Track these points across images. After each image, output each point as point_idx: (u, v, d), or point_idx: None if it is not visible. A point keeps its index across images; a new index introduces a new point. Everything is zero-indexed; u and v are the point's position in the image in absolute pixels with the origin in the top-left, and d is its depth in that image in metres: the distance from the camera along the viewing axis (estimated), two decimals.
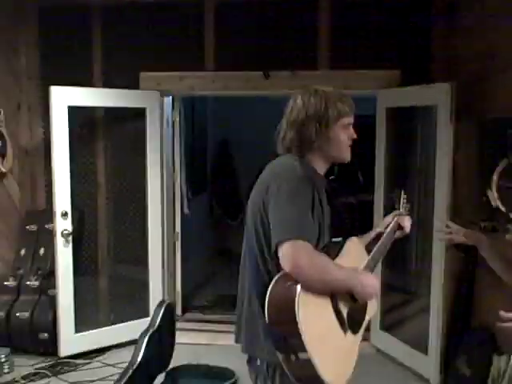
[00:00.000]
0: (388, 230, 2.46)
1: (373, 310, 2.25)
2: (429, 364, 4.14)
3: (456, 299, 4.14)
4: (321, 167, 2.16)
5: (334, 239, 2.17)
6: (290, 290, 1.84)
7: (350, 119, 2.15)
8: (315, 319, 1.88)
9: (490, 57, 3.78)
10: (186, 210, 5.86)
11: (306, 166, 2.08)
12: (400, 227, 2.52)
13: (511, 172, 1.50)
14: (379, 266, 4.02)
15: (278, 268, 1.91)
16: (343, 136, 2.13)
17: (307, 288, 1.85)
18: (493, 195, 1.51)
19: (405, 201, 2.62)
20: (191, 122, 6.38)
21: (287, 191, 1.93)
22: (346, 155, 2.17)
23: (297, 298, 1.81)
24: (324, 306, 1.94)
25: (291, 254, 1.84)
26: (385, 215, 2.44)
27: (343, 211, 2.47)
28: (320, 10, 4.65)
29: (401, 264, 4.79)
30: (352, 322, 2.06)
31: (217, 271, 6.94)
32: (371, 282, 2.04)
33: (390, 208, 2.69)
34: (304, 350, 1.81)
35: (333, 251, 2.07)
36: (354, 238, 2.21)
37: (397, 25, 4.55)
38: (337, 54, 4.63)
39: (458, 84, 3.83)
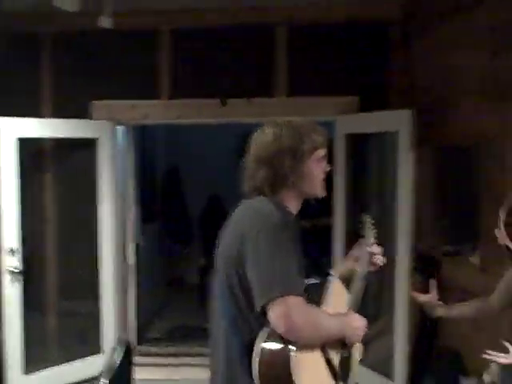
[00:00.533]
0: (363, 265, 2.24)
1: (359, 353, 2.15)
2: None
3: (420, 322, 4.15)
4: (294, 206, 2.01)
5: (310, 281, 2.03)
6: (283, 353, 1.75)
7: (324, 151, 2.03)
8: (311, 379, 1.82)
9: (446, 85, 3.86)
10: (140, 242, 5.70)
11: (282, 209, 1.92)
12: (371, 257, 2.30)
13: None
14: None
15: (262, 326, 1.80)
16: (318, 170, 2.00)
17: (301, 347, 1.76)
18: (501, 233, 1.50)
19: (372, 226, 2.41)
20: (141, 149, 6.25)
21: (267, 243, 1.77)
22: (320, 190, 2.03)
23: (292, 363, 1.74)
24: (317, 360, 1.88)
25: (284, 314, 1.71)
26: (347, 241, 2.39)
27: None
28: (277, 37, 4.64)
29: None
30: (343, 371, 2.00)
31: (169, 301, 6.80)
32: (359, 323, 1.98)
33: (353, 234, 2.60)
34: None
35: (316, 296, 1.97)
36: (335, 279, 2.12)
37: (354, 52, 4.60)
38: (294, 81, 4.63)
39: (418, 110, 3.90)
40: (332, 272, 2.22)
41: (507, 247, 1.40)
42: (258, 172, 1.95)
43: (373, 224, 2.40)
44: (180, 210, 7.50)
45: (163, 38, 4.71)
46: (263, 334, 1.79)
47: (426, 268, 4.11)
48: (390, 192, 4.18)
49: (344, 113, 4.53)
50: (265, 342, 1.78)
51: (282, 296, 1.70)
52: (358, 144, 4.49)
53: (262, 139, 1.98)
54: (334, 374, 1.94)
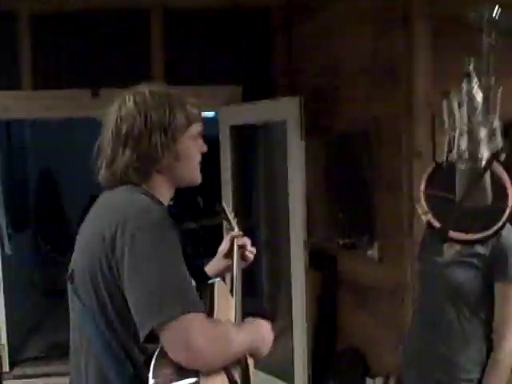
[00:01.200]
0: (235, 259, 1.91)
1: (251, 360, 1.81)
2: None
3: (319, 322, 3.96)
4: (165, 195, 1.59)
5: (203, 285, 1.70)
6: None
7: (200, 126, 1.62)
8: None
9: (334, 71, 3.67)
10: (7, 251, 5.12)
11: (157, 201, 1.52)
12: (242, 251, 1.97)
13: (441, 178, 1.26)
14: None
15: (146, 354, 1.39)
16: (194, 150, 1.60)
17: (207, 374, 1.37)
18: (422, 208, 1.25)
19: (232, 214, 2.11)
20: (6, 149, 5.66)
21: (148, 247, 1.36)
22: (197, 175, 1.63)
23: None
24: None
25: (183, 340, 1.31)
26: None
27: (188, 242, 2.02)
28: (152, 23, 4.28)
29: (250, 287, 4.54)
30: None
31: (48, 315, 6.23)
32: (267, 329, 1.61)
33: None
34: None
35: (205, 302, 1.60)
36: (219, 280, 1.76)
37: (237, 39, 4.33)
38: (172, 70, 4.28)
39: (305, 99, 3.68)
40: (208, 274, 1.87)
41: (429, 224, 1.18)
42: (120, 155, 1.52)
43: (231, 212, 2.09)
44: (57, 215, 6.93)
45: (22, 23, 4.19)
46: (154, 363, 1.36)
47: (321, 264, 3.92)
48: (281, 186, 3.95)
49: (227, 103, 4.24)
50: (156, 374, 1.34)
51: (176, 316, 1.31)
52: (245, 136, 4.23)
53: (122, 113, 1.53)
54: None
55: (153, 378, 1.33)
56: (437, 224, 1.25)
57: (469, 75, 1.13)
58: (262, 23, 4.34)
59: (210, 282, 1.72)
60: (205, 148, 1.64)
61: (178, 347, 1.32)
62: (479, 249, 1.95)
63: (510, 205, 1.19)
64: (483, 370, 1.96)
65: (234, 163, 4.25)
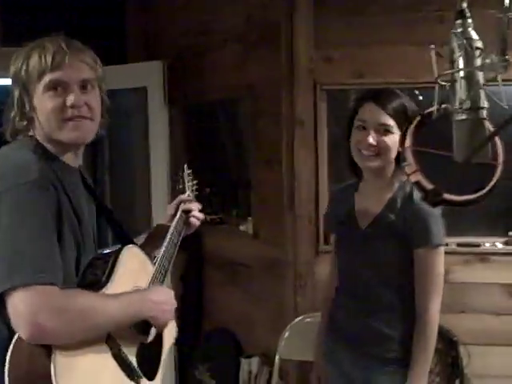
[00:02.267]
0: (174, 223, 1.83)
1: (171, 334, 1.69)
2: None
3: (184, 302, 3.72)
4: (55, 149, 1.47)
5: (101, 252, 1.58)
6: (41, 355, 1.26)
7: (56, 77, 1.42)
8: None
9: (200, 33, 3.39)
10: None
11: (47, 156, 1.44)
12: (187, 216, 1.89)
13: (429, 133, 1.10)
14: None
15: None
16: (49, 103, 1.42)
17: (66, 347, 1.28)
18: (411, 167, 1.09)
19: (190, 178, 2.05)
20: None
21: (11, 207, 1.30)
22: (63, 132, 1.44)
23: (55, 370, 1.23)
24: (98, 358, 1.37)
25: (23, 309, 1.24)
26: None
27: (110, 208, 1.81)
28: None
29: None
30: (146, 365, 1.52)
31: None
32: (164, 297, 1.55)
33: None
34: None
35: (101, 272, 1.47)
36: (130, 247, 1.60)
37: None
38: (8, 32, 3.71)
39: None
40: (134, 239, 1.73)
41: (418, 185, 1.03)
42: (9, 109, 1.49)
43: (190, 175, 2.03)
44: None
45: None
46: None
47: (185, 240, 3.66)
48: (141, 159, 3.63)
49: None
50: (16, 346, 1.29)
51: (23, 286, 1.24)
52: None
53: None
54: (130, 371, 1.45)
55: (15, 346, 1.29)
56: (428, 185, 1.11)
57: (462, 13, 0.98)
58: None
59: (123, 248, 1.55)
60: (71, 101, 1.43)
61: (18, 320, 1.25)
62: (391, 216, 1.87)
63: (500, 162, 1.08)
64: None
65: None
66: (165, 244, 1.74)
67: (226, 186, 3.43)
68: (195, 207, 1.90)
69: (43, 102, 1.42)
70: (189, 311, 3.71)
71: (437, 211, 1.83)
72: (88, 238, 1.51)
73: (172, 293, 1.59)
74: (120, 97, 3.88)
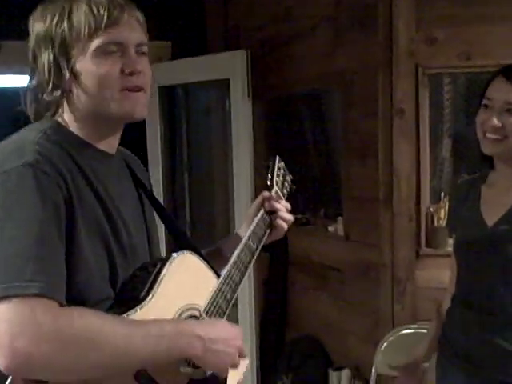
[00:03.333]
0: (252, 225, 1.45)
1: (239, 372, 1.27)
2: None
3: (266, 308, 3.51)
4: (90, 133, 1.18)
5: (153, 261, 1.22)
6: None
7: (110, 38, 1.14)
8: None
9: (282, 22, 3.17)
10: None
11: (68, 140, 1.15)
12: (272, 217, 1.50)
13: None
14: None
15: None
16: (102, 69, 1.14)
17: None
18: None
19: (281, 172, 1.63)
20: None
21: (3, 199, 1.02)
22: (119, 104, 1.15)
23: None
24: None
25: (8, 332, 0.92)
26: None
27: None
28: None
29: None
30: None
31: None
32: (220, 334, 1.14)
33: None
34: None
35: (141, 285, 1.14)
36: (185, 253, 1.23)
37: None
38: None
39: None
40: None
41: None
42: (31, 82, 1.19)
43: (283, 168, 1.62)
44: None
45: None
46: None
47: (270, 244, 3.45)
48: (222, 154, 3.47)
49: (154, 62, 3.65)
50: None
51: (1, 297, 0.94)
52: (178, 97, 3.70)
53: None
54: None
55: None
56: None
57: None
58: None
59: (173, 255, 1.19)
60: (131, 68, 1.15)
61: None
62: None
63: None
64: None
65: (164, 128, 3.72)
66: (236, 252, 1.37)
67: (315, 183, 3.20)
68: (283, 207, 1.52)
69: (94, 67, 1.13)
70: (272, 318, 3.50)
71: None
72: (131, 238, 1.19)
73: (237, 330, 1.21)
74: (199, 93, 3.76)
